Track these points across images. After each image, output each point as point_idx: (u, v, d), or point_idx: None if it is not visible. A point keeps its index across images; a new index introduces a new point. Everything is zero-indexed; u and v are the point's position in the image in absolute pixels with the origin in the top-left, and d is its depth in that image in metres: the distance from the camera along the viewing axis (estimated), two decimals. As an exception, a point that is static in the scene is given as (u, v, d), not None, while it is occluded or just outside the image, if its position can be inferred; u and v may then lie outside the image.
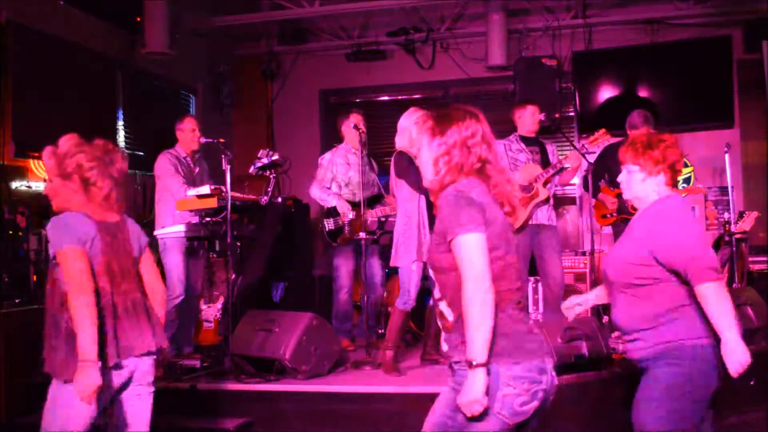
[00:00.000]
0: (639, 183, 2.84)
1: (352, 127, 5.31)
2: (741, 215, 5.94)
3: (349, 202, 5.38)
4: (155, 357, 2.83)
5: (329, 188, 5.44)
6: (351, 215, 5.28)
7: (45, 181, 2.92)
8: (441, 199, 2.27)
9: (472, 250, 2.15)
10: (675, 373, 2.66)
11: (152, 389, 2.87)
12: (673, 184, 2.86)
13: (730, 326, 2.56)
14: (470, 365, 2.12)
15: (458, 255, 2.17)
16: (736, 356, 2.57)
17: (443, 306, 2.29)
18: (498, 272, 2.22)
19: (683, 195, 5.58)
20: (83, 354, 2.54)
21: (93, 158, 2.80)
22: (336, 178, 5.46)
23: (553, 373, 2.30)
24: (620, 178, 2.94)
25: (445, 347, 2.35)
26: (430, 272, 2.36)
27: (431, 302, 2.42)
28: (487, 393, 2.13)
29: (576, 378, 4.15)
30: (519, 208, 2.35)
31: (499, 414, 2.16)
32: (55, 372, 2.66)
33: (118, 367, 2.70)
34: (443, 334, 2.35)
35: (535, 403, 2.20)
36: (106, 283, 2.71)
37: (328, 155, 5.56)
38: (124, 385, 2.78)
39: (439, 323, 2.36)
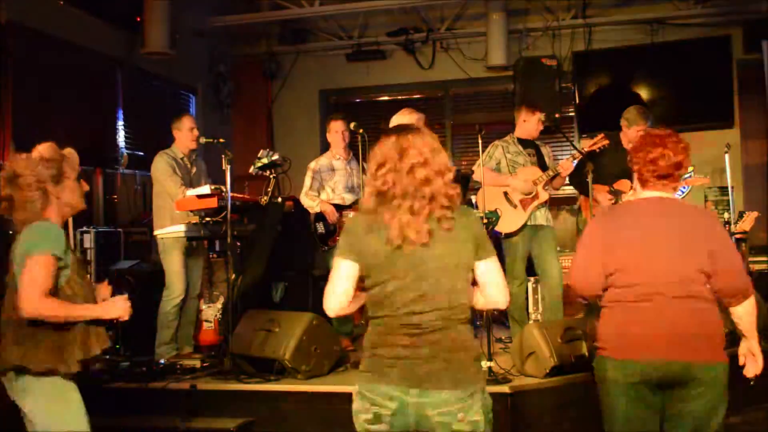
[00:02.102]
0: None
1: (332, 133, 5.51)
2: (741, 215, 5.94)
3: (340, 206, 5.40)
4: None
5: (317, 195, 5.48)
6: (335, 217, 5.32)
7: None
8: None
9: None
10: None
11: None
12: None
13: None
14: None
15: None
16: None
17: None
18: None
19: (688, 186, 5.58)
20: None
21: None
22: (324, 185, 5.51)
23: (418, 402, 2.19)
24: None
25: None
26: None
27: None
28: None
29: (576, 378, 4.15)
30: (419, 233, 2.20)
31: None
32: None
33: None
34: None
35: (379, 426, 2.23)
36: None
37: (312, 163, 5.59)
38: None
39: None
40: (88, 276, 2.91)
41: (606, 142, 5.40)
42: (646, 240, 2.63)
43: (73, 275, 2.75)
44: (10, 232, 2.85)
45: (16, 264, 2.70)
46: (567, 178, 5.48)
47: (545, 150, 5.60)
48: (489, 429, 2.26)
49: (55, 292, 2.68)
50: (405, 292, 2.18)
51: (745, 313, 2.68)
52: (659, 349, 2.56)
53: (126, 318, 2.76)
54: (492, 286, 2.28)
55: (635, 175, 2.76)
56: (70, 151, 2.86)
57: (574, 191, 5.92)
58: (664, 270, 2.59)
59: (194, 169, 5.30)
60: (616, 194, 5.56)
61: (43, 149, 2.79)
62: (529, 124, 5.44)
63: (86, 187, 2.92)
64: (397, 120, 4.79)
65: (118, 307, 2.76)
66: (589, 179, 5.31)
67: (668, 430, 2.67)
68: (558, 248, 5.76)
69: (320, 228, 5.41)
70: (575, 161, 5.35)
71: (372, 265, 2.22)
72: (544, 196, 5.30)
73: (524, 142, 5.48)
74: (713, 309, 2.63)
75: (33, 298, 2.60)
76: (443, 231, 2.18)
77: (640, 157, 2.72)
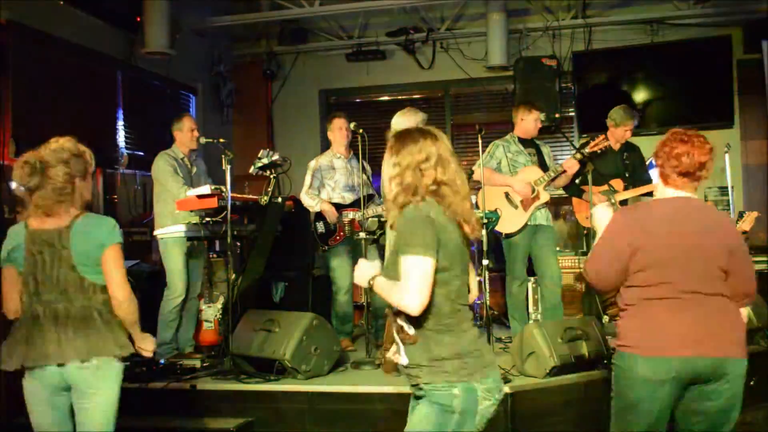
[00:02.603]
0: None
1: (335, 130, 5.54)
2: (741, 215, 5.93)
3: (340, 205, 5.40)
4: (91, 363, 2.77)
5: (318, 194, 5.47)
6: (335, 216, 5.32)
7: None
8: (402, 216, 2.35)
9: (413, 270, 2.25)
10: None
11: (93, 395, 2.82)
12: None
13: None
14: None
15: (402, 270, 2.28)
16: None
17: (403, 320, 2.34)
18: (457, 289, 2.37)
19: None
20: None
21: (23, 174, 2.80)
22: (324, 184, 5.50)
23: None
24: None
25: (404, 360, 2.37)
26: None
27: (387, 313, 2.45)
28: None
29: (576, 378, 4.15)
30: (476, 224, 2.41)
31: None
32: None
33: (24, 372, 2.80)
34: (400, 347, 2.38)
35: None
36: (23, 293, 2.79)
37: (313, 162, 5.59)
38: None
39: (397, 336, 2.38)
40: None
41: (607, 143, 5.41)
42: (675, 238, 2.65)
43: None
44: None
45: (80, 255, 2.74)
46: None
47: (545, 149, 5.61)
48: None
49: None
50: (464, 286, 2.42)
51: (745, 315, 2.78)
52: (692, 346, 2.59)
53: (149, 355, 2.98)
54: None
55: (658, 171, 2.79)
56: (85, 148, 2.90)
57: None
58: (693, 267, 2.63)
59: (195, 169, 5.30)
60: (610, 193, 5.57)
61: (68, 143, 2.81)
62: (526, 122, 5.44)
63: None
64: (399, 119, 4.80)
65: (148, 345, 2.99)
66: (589, 180, 5.32)
67: (685, 427, 2.70)
68: (557, 249, 5.77)
69: (320, 227, 5.41)
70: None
71: (449, 255, 2.34)
72: (545, 196, 5.31)
73: (524, 142, 5.48)
74: (736, 306, 2.70)
75: (125, 285, 2.80)
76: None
77: (665, 152, 2.75)
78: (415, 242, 2.25)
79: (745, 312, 2.78)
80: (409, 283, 2.24)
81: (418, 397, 2.41)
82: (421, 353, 2.31)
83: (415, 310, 2.23)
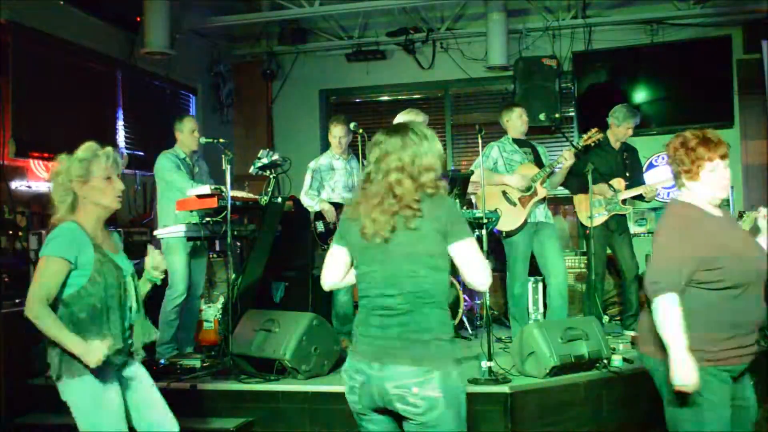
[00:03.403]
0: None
1: (331, 138, 5.59)
2: (741, 215, 5.94)
3: (339, 205, 5.41)
4: None
5: (317, 195, 5.49)
6: (334, 216, 5.33)
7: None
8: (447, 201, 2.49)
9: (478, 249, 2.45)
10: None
11: None
12: None
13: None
14: None
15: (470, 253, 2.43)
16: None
17: None
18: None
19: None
20: None
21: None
22: (324, 184, 5.52)
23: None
24: (727, 175, 2.76)
25: None
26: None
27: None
28: None
29: (576, 378, 4.15)
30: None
31: None
32: None
33: None
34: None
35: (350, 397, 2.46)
36: None
37: (312, 162, 5.61)
38: None
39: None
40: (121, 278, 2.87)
41: (600, 135, 5.44)
42: (733, 236, 2.71)
43: (95, 275, 2.74)
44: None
45: None
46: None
47: (541, 149, 5.65)
48: (454, 413, 2.33)
49: (55, 303, 2.68)
50: (377, 277, 2.42)
51: None
52: (752, 338, 2.65)
53: (92, 365, 2.65)
54: (466, 267, 2.42)
55: (682, 173, 2.72)
56: (105, 150, 2.87)
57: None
58: (751, 265, 2.67)
59: (197, 169, 5.31)
60: (613, 192, 5.58)
61: (81, 148, 2.82)
62: (512, 121, 5.50)
63: (120, 186, 2.90)
64: (402, 120, 4.81)
65: (93, 356, 2.64)
66: (589, 179, 5.33)
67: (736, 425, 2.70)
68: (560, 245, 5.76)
69: (320, 227, 5.42)
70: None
71: (354, 251, 2.51)
72: (542, 192, 5.31)
73: (519, 142, 5.51)
74: None
75: (34, 301, 2.62)
76: (407, 227, 2.37)
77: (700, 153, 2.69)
78: (467, 227, 2.42)
79: None
80: (483, 262, 2.42)
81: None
82: None
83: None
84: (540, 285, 5.96)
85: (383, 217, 2.39)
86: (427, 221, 2.37)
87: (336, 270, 2.59)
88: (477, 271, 2.41)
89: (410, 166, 2.43)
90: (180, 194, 4.92)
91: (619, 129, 5.70)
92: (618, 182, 5.68)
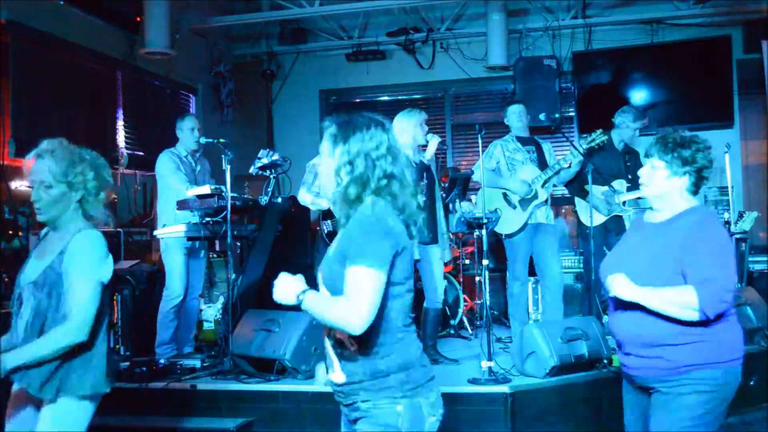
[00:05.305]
0: (662, 180, 2.70)
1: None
2: (741, 215, 5.94)
3: None
4: None
5: (318, 193, 5.46)
6: None
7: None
8: (355, 217, 2.08)
9: (366, 285, 1.97)
10: (706, 400, 2.50)
11: None
12: (697, 191, 2.73)
13: None
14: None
15: (350, 282, 1.99)
16: None
17: (343, 333, 2.06)
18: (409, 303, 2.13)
19: None
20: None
21: None
22: None
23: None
24: (641, 172, 2.79)
25: (342, 378, 2.13)
26: (324, 290, 2.14)
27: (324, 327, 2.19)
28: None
29: (576, 378, 4.15)
30: (421, 226, 2.14)
31: None
32: None
33: None
34: (338, 362, 2.14)
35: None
36: None
37: (315, 159, 5.58)
38: None
39: (333, 352, 2.14)
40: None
41: (605, 137, 5.43)
42: None
43: None
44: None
45: None
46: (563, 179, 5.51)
47: (546, 146, 5.61)
48: None
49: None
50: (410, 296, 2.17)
51: None
52: None
53: None
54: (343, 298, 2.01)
55: (693, 184, 2.70)
56: None
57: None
58: None
59: (199, 168, 5.31)
60: (610, 193, 5.58)
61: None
62: (510, 120, 5.52)
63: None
64: (401, 119, 4.82)
65: None
66: (590, 179, 5.33)
67: None
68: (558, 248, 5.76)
69: (326, 227, 5.40)
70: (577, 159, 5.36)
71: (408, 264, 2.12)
72: (543, 194, 5.30)
73: (523, 140, 5.49)
74: None
75: None
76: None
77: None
78: (369, 252, 1.97)
79: None
80: (358, 301, 1.95)
81: (352, 421, 2.15)
82: (363, 369, 2.06)
83: (359, 330, 1.95)
84: (540, 285, 5.96)
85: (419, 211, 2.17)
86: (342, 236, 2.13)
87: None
88: (343, 308, 2.00)
89: (327, 162, 2.16)
90: (178, 194, 4.92)
91: (628, 130, 5.69)
92: (619, 185, 5.67)
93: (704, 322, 2.46)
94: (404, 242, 2.06)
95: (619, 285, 2.55)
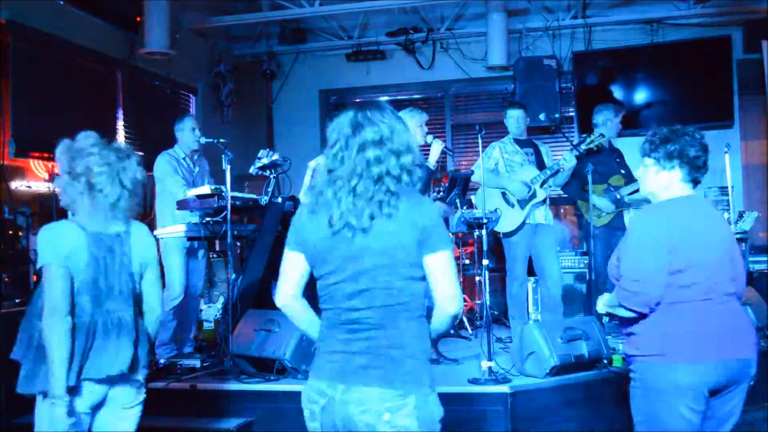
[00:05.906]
0: (653, 176, 2.73)
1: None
2: (741, 215, 5.94)
3: None
4: (135, 378, 2.66)
5: None
6: None
7: (56, 174, 2.81)
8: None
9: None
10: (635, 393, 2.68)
11: (130, 411, 2.68)
12: (696, 180, 2.75)
13: None
14: None
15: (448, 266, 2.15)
16: None
17: None
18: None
19: None
20: (53, 385, 2.43)
21: (104, 163, 2.71)
22: None
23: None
24: (638, 174, 2.85)
25: None
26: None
27: None
28: None
29: (576, 378, 4.15)
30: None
31: None
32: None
33: (77, 389, 2.52)
34: None
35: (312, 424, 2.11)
36: (87, 301, 2.55)
37: (313, 162, 5.58)
38: (98, 405, 2.61)
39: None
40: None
41: (603, 138, 5.44)
42: (703, 237, 2.62)
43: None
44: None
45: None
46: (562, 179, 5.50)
47: (544, 149, 5.64)
48: None
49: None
50: (344, 287, 2.07)
51: None
52: (728, 348, 2.55)
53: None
54: (436, 286, 2.06)
55: (688, 174, 2.71)
56: None
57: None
58: (719, 268, 2.61)
59: (197, 169, 5.31)
60: (610, 192, 5.58)
61: None
62: (508, 124, 5.53)
63: None
64: (405, 118, 4.82)
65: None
66: (589, 179, 5.33)
67: None
68: (557, 248, 5.76)
69: None
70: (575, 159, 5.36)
71: (314, 255, 2.12)
72: (541, 195, 5.31)
73: (521, 142, 5.51)
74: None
75: None
76: (384, 219, 2.01)
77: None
78: (446, 236, 2.12)
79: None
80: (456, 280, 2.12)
81: None
82: None
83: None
84: (539, 285, 5.95)
85: (359, 201, 2.01)
86: (404, 220, 2.01)
87: (294, 279, 2.22)
88: (446, 291, 2.06)
89: (389, 141, 2.05)
90: (176, 197, 4.92)
91: (612, 125, 5.71)
92: (617, 181, 5.69)
93: (642, 316, 2.59)
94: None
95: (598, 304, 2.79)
